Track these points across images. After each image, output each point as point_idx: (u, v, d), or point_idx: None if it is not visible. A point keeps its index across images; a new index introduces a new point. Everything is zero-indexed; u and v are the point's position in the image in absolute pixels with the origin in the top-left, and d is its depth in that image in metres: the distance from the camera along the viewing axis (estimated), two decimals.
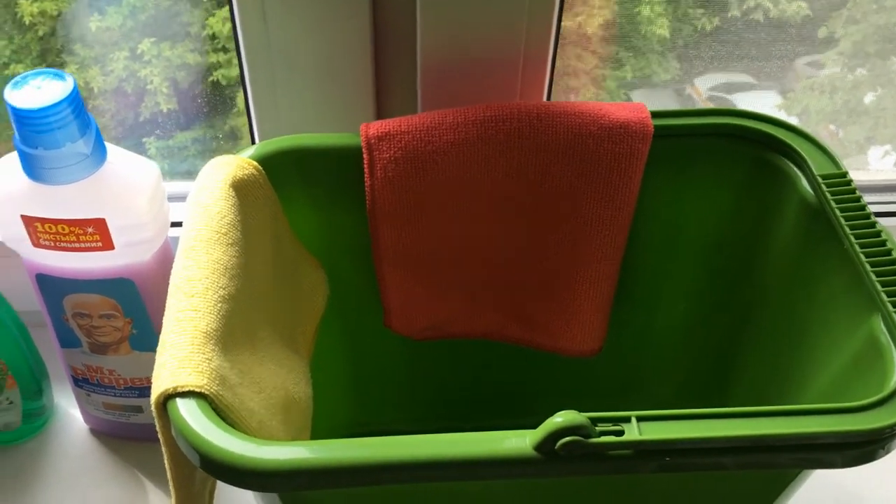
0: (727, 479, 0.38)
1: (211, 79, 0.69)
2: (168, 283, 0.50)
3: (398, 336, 0.52)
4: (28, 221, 0.44)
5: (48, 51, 0.64)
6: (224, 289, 0.38)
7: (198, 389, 0.34)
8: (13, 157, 0.45)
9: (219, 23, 0.63)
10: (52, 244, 0.45)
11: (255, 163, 0.43)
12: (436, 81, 0.48)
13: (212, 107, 0.72)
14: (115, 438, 0.58)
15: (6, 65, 0.66)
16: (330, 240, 0.48)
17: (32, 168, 0.42)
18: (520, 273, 0.49)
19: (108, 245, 0.45)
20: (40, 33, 0.63)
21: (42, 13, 0.61)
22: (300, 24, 0.47)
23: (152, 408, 0.35)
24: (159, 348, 0.36)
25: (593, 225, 0.46)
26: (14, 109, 0.40)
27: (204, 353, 0.35)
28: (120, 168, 0.44)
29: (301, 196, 0.46)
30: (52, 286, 0.48)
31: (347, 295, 0.50)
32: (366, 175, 0.45)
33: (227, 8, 0.58)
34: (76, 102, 0.41)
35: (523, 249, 0.48)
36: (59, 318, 0.50)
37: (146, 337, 0.50)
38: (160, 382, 0.34)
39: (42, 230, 0.44)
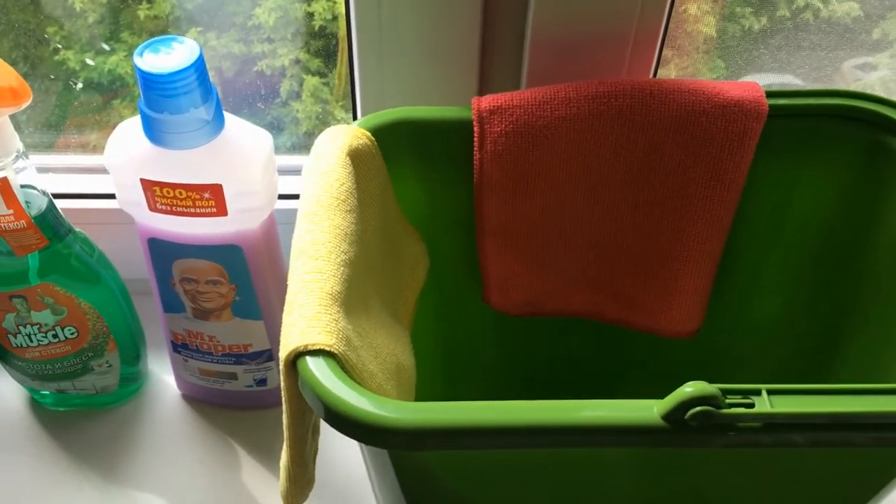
0: (848, 455, 0.38)
1: (256, 69, 0.69)
2: (272, 252, 0.51)
3: (491, 312, 0.52)
4: (147, 185, 0.45)
5: (96, 37, 0.65)
6: (345, 253, 0.39)
7: (327, 348, 0.34)
8: (132, 122, 0.46)
9: (265, 13, 0.63)
10: (168, 208, 0.46)
11: (368, 133, 0.44)
12: (544, 57, 0.48)
13: (256, 97, 0.73)
14: (207, 405, 0.59)
15: (56, 51, 0.67)
16: (432, 212, 0.49)
17: (155, 132, 0.43)
18: (621, 251, 0.49)
19: (221, 211, 0.46)
20: (90, 20, 0.64)
21: (93, 0, 0.62)
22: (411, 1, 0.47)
23: (281, 365, 0.35)
24: (287, 308, 0.36)
25: (700, 204, 0.46)
26: (143, 73, 0.41)
27: (331, 314, 0.36)
28: (236, 136, 0.45)
29: (407, 168, 0.46)
30: (162, 251, 0.49)
31: (444, 268, 0.51)
32: (475, 148, 0.45)
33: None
34: (201, 69, 0.42)
35: (626, 227, 0.48)
36: (165, 283, 0.51)
37: (248, 304, 0.51)
38: (290, 340, 0.35)
39: (160, 194, 0.45)
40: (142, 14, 0.64)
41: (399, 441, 0.32)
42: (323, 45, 0.68)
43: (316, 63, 0.64)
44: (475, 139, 0.45)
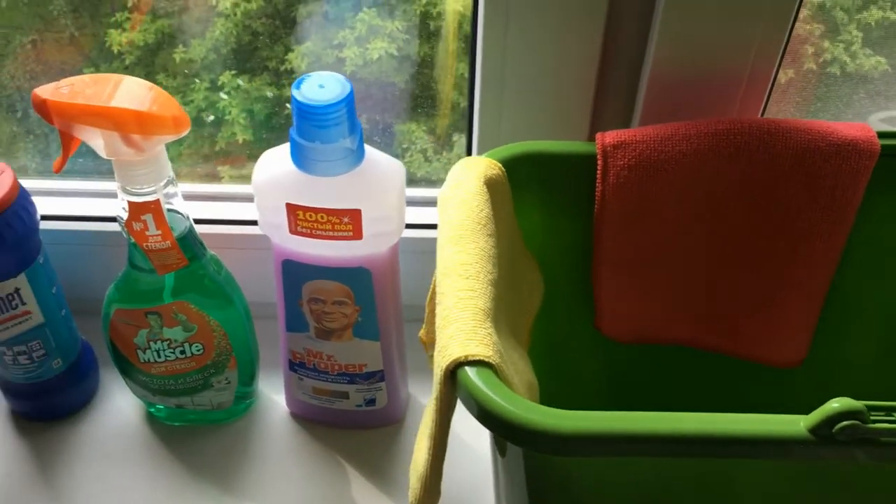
0: None
1: (286, 112, 0.71)
2: (395, 276, 0.54)
3: (598, 338, 0.54)
4: (291, 209, 0.48)
5: None
6: (490, 274, 0.41)
7: (485, 359, 0.37)
8: (278, 150, 0.50)
9: (297, 58, 0.65)
10: (308, 231, 0.49)
11: (499, 163, 0.47)
12: (659, 95, 0.51)
13: (286, 139, 0.74)
14: (315, 423, 0.62)
15: None
16: (549, 241, 0.51)
17: (304, 160, 0.47)
18: (730, 283, 0.51)
19: (357, 235, 0.49)
20: (127, 62, 0.66)
21: (130, 43, 0.65)
22: (536, 41, 0.51)
23: (439, 374, 0.38)
24: (442, 322, 0.39)
25: (811, 239, 0.49)
26: (300, 104, 0.45)
27: (486, 328, 0.38)
28: (375, 165, 0.49)
29: (531, 197, 0.49)
30: (295, 272, 0.52)
31: (556, 295, 0.53)
32: (598, 180, 0.48)
33: (306, 44, 0.61)
34: (351, 104, 0.45)
35: (737, 260, 0.50)
36: (293, 303, 0.54)
37: (368, 325, 0.54)
38: (450, 351, 0.37)
39: (302, 218, 0.48)
40: (177, 57, 0.66)
41: (557, 446, 0.35)
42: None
43: None
44: (598, 172, 0.48)
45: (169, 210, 0.51)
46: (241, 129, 0.71)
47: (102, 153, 0.48)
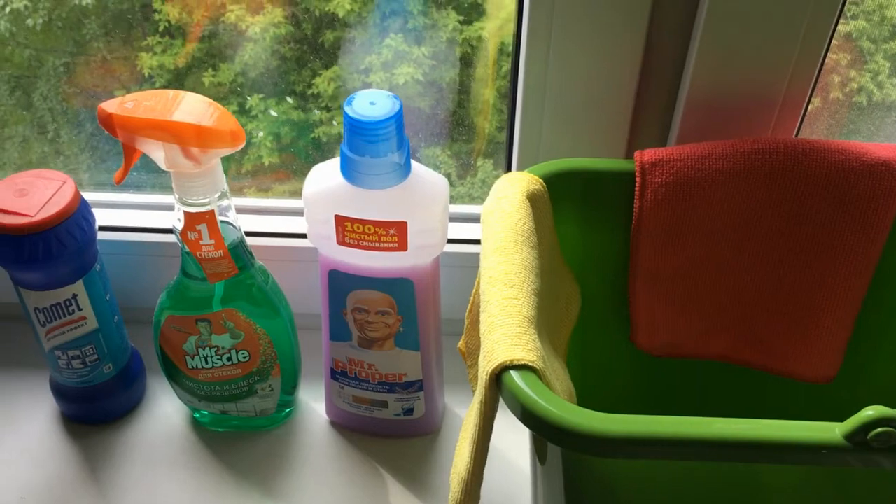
0: None
1: (312, 135, 0.72)
2: (436, 288, 0.56)
3: (632, 351, 0.56)
4: (339, 221, 0.50)
5: None
6: (533, 283, 0.43)
7: (531, 364, 0.39)
8: (327, 164, 0.52)
9: (324, 83, 0.65)
10: (355, 242, 0.51)
11: (541, 179, 0.49)
12: (696, 115, 0.53)
13: (312, 162, 0.74)
14: (354, 432, 0.63)
15: None
16: (586, 255, 0.53)
17: (354, 173, 0.49)
18: (764, 299, 0.52)
19: (402, 246, 0.51)
20: (157, 85, 0.68)
21: (161, 66, 0.66)
22: (577, 62, 0.53)
23: (484, 378, 0.39)
24: (487, 329, 0.41)
25: (844, 256, 0.50)
26: (352, 120, 0.47)
27: (530, 335, 0.40)
28: (421, 179, 0.51)
29: (569, 212, 0.51)
30: (341, 282, 0.54)
31: (592, 309, 0.55)
32: (636, 196, 0.50)
33: (333, 69, 0.62)
34: (400, 120, 0.48)
35: (769, 276, 0.52)
36: (337, 313, 0.56)
37: (410, 335, 0.56)
38: (496, 356, 0.39)
39: (350, 229, 0.50)
40: (206, 81, 0.67)
41: (602, 448, 0.36)
42: None
43: None
44: (636, 189, 0.50)
45: (222, 221, 0.53)
46: (268, 153, 0.72)
47: (162, 165, 0.50)
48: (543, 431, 0.37)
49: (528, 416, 0.37)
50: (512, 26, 0.54)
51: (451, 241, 0.62)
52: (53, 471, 0.61)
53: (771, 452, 0.36)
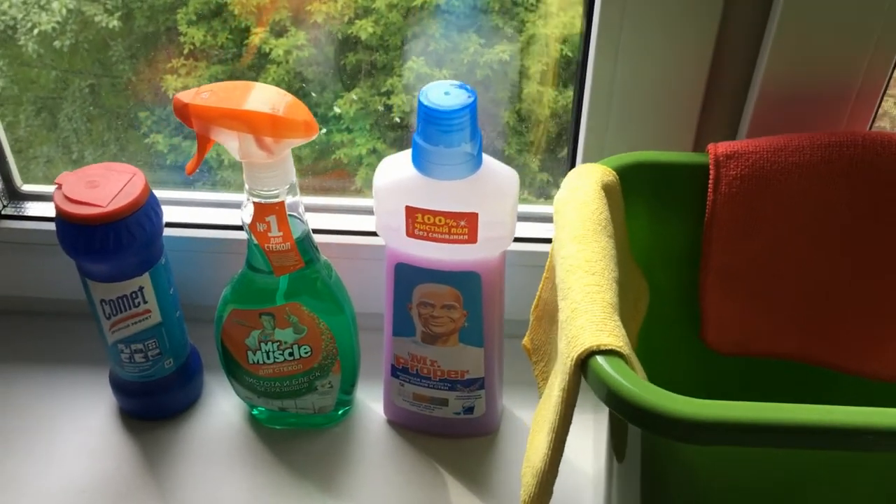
0: None
1: (334, 156, 0.71)
2: (502, 283, 0.55)
3: (700, 349, 0.55)
4: (410, 212, 0.50)
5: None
6: (613, 272, 0.43)
7: (617, 349, 0.38)
8: (397, 156, 0.52)
9: (346, 104, 0.65)
10: (425, 234, 0.51)
11: (614, 171, 0.49)
12: (768, 108, 0.52)
13: (332, 182, 0.73)
14: (412, 431, 0.63)
15: (146, 135, 0.69)
16: (655, 250, 0.53)
17: (426, 163, 0.49)
18: (837, 296, 0.52)
19: (472, 238, 0.51)
20: None
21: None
22: (647, 57, 0.52)
23: (568, 364, 0.39)
24: (569, 315, 0.40)
25: None
26: (427, 109, 0.47)
27: (615, 321, 0.40)
28: (492, 171, 0.50)
29: (640, 206, 0.51)
30: (407, 275, 0.54)
31: (660, 305, 0.54)
32: (710, 189, 0.49)
33: (355, 91, 0.62)
34: (474, 111, 0.48)
35: (845, 273, 0.51)
36: (402, 307, 0.56)
37: (474, 331, 0.55)
38: (581, 341, 0.39)
39: (420, 220, 0.50)
40: None
41: (695, 433, 0.36)
42: (398, 137, 0.70)
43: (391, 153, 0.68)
44: (710, 181, 0.49)
45: (290, 215, 0.53)
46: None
47: (236, 155, 0.50)
48: (636, 417, 0.36)
49: (618, 401, 0.37)
50: (540, 47, 0.53)
51: None
52: (113, 467, 0.61)
53: (865, 439, 0.35)
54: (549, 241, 0.66)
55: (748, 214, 0.50)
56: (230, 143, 0.50)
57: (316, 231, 0.58)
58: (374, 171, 0.51)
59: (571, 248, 0.43)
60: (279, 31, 0.65)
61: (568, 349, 0.39)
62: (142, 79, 0.62)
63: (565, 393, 0.40)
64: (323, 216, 0.66)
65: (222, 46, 0.61)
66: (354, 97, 0.64)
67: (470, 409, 0.60)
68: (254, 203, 0.52)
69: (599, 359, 0.38)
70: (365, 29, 0.59)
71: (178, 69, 0.62)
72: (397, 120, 0.64)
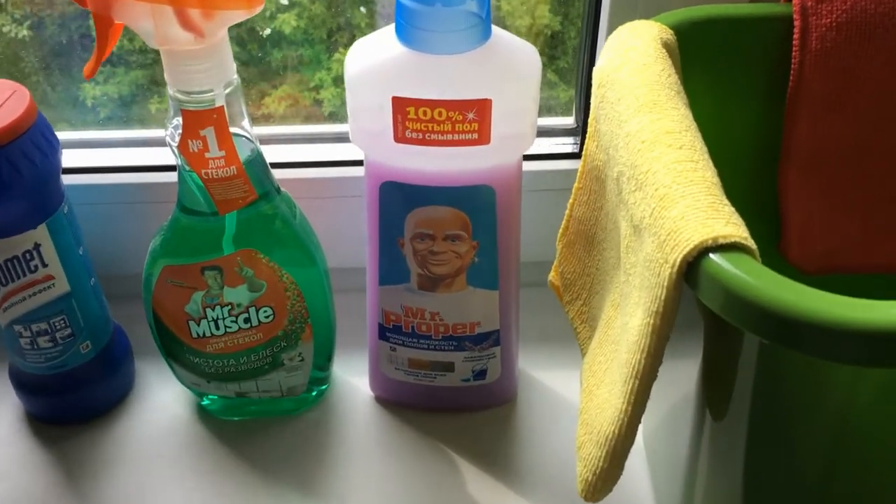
0: None
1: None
2: (519, 201, 0.43)
3: (778, 270, 0.43)
4: (399, 106, 0.37)
5: None
6: (705, 147, 0.30)
7: (741, 241, 0.26)
8: (377, 34, 0.39)
9: (274, 102, 0.60)
10: (420, 136, 0.38)
11: (671, 30, 0.36)
12: None
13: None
14: (408, 408, 0.50)
15: None
16: (718, 138, 0.40)
17: (417, 32, 0.36)
18: None
19: (483, 137, 0.38)
20: (101, 116, 0.62)
21: (104, 95, 0.60)
22: None
23: (666, 275, 0.27)
24: (656, 206, 0.28)
25: None
26: None
27: (727, 205, 0.27)
28: (505, 44, 0.38)
29: (700, 80, 0.38)
30: (397, 198, 0.41)
31: None
32: (795, 47, 0.37)
33: (282, 88, 0.57)
34: None
35: None
36: (391, 244, 0.42)
37: (487, 268, 0.43)
38: (686, 236, 0.26)
39: (413, 116, 0.37)
40: (153, 108, 0.60)
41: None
42: None
43: None
44: (795, 36, 0.37)
45: (235, 134, 0.40)
46: None
47: (151, 41, 0.36)
48: (790, 330, 0.24)
49: (764, 314, 0.24)
50: None
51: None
52: (21, 487, 0.46)
53: None
54: (553, 157, 0.53)
55: (846, 78, 0.38)
56: (141, 23, 0.36)
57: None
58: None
59: (641, 120, 0.31)
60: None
61: (660, 253, 0.27)
62: (58, 90, 0.56)
63: (658, 318, 0.28)
64: (276, 147, 0.52)
65: (141, 51, 0.56)
66: (283, 94, 0.58)
67: (482, 374, 0.47)
68: (182, 112, 0.38)
69: (716, 258, 0.26)
70: (288, 23, 0.55)
71: (96, 77, 0.55)
72: (327, 115, 0.60)
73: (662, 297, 0.27)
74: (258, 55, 0.57)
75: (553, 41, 0.56)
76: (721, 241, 0.26)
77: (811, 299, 0.24)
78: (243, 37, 0.55)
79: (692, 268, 0.26)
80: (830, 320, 0.24)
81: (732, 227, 0.26)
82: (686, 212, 0.27)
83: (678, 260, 0.26)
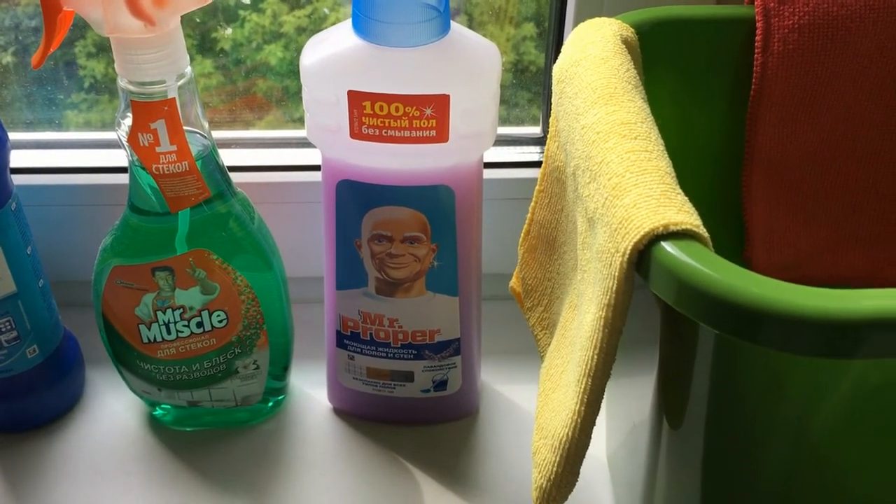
0: None
1: None
2: (480, 203, 0.42)
3: None
4: (355, 100, 0.36)
5: None
6: (660, 140, 0.30)
7: (692, 229, 0.25)
8: (334, 28, 0.38)
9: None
10: (377, 132, 0.37)
11: (632, 28, 0.36)
12: None
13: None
14: (366, 420, 0.48)
15: None
16: (679, 143, 0.39)
17: (373, 24, 0.35)
18: None
19: (442, 135, 0.37)
20: None
21: (87, 123, 0.60)
22: None
23: (617, 264, 0.26)
24: (608, 195, 0.27)
25: None
26: None
27: (679, 193, 0.26)
28: (464, 40, 0.37)
29: (661, 83, 0.38)
30: (354, 197, 0.40)
31: None
32: (757, 49, 0.37)
33: (267, 119, 0.56)
34: None
35: None
36: (347, 246, 0.41)
37: (446, 273, 0.42)
38: (637, 223, 0.25)
39: (369, 112, 0.36)
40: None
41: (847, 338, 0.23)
42: None
43: None
44: (757, 38, 0.37)
45: (188, 130, 0.39)
46: None
47: (101, 29, 0.35)
48: (744, 319, 0.23)
49: (717, 303, 0.23)
50: None
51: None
52: None
53: None
54: (513, 165, 0.52)
55: (808, 81, 0.37)
56: (91, 10, 0.35)
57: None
58: None
59: (597, 112, 0.30)
60: None
61: (611, 243, 0.26)
62: (41, 119, 0.55)
63: (610, 311, 0.27)
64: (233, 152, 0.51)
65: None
66: (266, 125, 0.57)
67: (442, 384, 0.46)
68: (132, 104, 0.37)
69: (667, 245, 0.25)
70: (275, 54, 0.55)
71: (80, 104, 0.56)
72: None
73: (614, 289, 0.26)
74: (242, 87, 0.56)
75: (537, 77, 0.56)
76: (672, 228, 0.25)
77: (766, 287, 0.23)
78: (229, 67, 0.55)
79: (643, 257, 0.25)
80: (787, 309, 0.23)
81: (684, 214, 0.25)
82: (638, 200, 0.26)
83: (629, 248, 0.25)
